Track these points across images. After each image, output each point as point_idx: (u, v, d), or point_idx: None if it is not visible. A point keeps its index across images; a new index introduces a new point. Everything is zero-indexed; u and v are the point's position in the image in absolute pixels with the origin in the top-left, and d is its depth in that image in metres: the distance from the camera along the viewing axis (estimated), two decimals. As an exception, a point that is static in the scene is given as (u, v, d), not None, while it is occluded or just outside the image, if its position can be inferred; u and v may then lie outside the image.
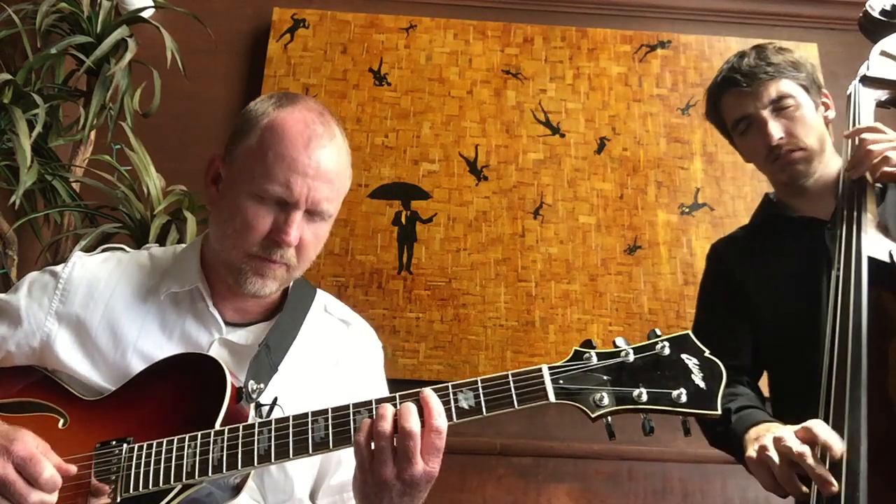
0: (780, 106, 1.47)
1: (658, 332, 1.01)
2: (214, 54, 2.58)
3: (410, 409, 0.96)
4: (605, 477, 2.23)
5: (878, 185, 1.42)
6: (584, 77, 2.63)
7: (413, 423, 0.95)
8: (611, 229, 2.46)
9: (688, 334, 1.01)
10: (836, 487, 1.07)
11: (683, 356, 0.98)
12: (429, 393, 0.99)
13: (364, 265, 2.39)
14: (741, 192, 2.51)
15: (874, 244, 1.28)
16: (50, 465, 0.97)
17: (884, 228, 1.32)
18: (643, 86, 2.62)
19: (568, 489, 2.21)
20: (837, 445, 1.10)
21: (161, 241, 1.92)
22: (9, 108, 1.96)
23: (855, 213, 1.34)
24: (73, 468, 1.01)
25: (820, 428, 1.13)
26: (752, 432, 1.27)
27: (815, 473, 1.09)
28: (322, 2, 2.68)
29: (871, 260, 1.26)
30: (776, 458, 1.14)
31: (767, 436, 1.18)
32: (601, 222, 2.47)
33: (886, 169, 1.33)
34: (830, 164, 1.51)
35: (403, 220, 2.45)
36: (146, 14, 2.39)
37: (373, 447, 0.96)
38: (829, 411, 1.16)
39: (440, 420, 0.96)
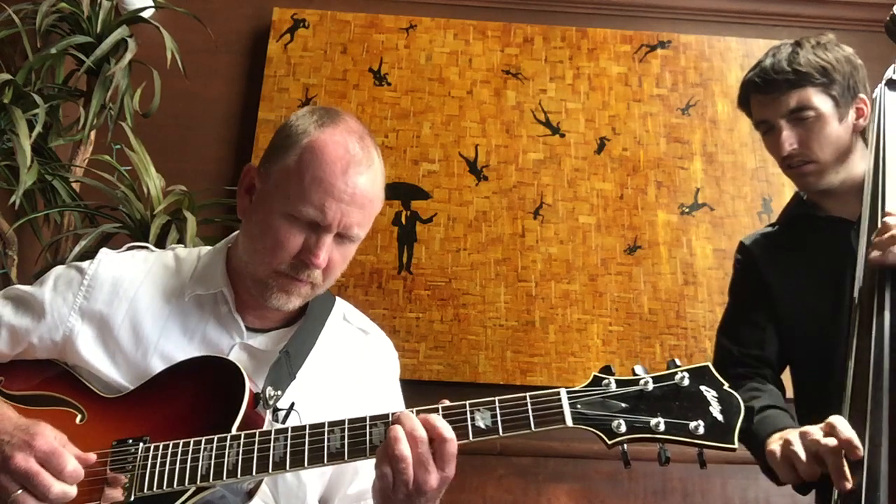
0: (798, 116, 1.46)
1: (678, 363, 1.01)
2: (214, 54, 2.57)
3: (415, 422, 0.97)
4: (605, 477, 2.23)
5: None
6: (584, 77, 2.62)
7: (422, 431, 0.96)
8: (611, 229, 2.46)
9: (707, 366, 1.00)
10: (849, 484, 1.08)
11: (702, 388, 0.98)
12: (433, 412, 1.00)
13: (364, 265, 2.39)
14: (741, 192, 2.50)
15: None
16: (72, 458, 0.99)
17: None
18: (643, 86, 2.62)
19: (568, 489, 2.21)
20: (859, 445, 1.11)
21: (161, 241, 1.92)
22: (9, 108, 1.96)
23: (880, 216, 1.32)
24: (92, 457, 1.02)
25: (842, 425, 1.13)
26: (776, 436, 1.27)
27: (836, 467, 1.10)
28: (322, 2, 2.68)
29: None
30: (802, 454, 1.15)
31: (793, 432, 1.19)
32: (601, 222, 2.47)
33: None
34: (858, 167, 1.49)
35: (403, 220, 2.45)
36: (146, 14, 2.39)
37: (390, 470, 0.96)
38: (850, 413, 1.17)
39: (448, 432, 0.97)
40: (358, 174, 1.12)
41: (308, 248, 1.11)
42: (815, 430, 1.15)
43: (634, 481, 2.23)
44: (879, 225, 1.29)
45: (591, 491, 2.22)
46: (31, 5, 2.16)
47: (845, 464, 1.10)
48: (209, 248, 1.31)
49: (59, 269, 1.26)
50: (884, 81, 1.50)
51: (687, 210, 2.49)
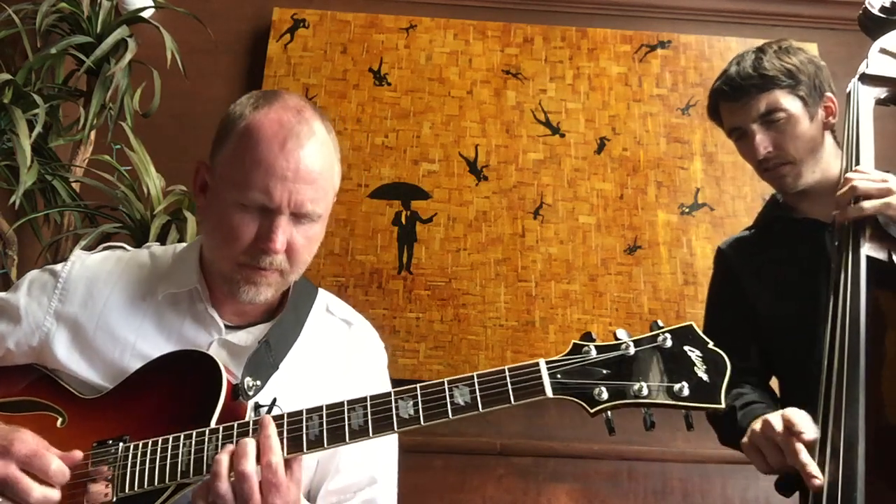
0: (769, 119, 1.47)
1: (660, 324, 0.99)
2: (214, 54, 2.58)
3: (246, 450, 0.95)
4: (605, 477, 2.23)
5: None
6: (584, 77, 2.62)
7: (247, 464, 0.94)
8: (611, 229, 2.46)
9: (691, 325, 0.98)
10: (820, 481, 1.08)
11: (686, 348, 0.96)
12: (265, 424, 0.98)
13: (364, 265, 2.39)
14: (741, 192, 2.50)
15: (873, 244, 1.28)
16: (55, 458, 0.98)
17: (882, 230, 1.31)
18: (643, 86, 2.62)
19: (568, 489, 2.21)
20: (808, 435, 1.12)
21: (161, 241, 1.92)
22: (9, 108, 1.96)
23: None
24: (77, 454, 1.02)
25: (794, 416, 1.16)
26: (754, 424, 1.27)
27: (802, 467, 1.11)
28: (322, 2, 2.68)
29: (870, 259, 1.26)
30: (764, 445, 1.17)
31: (758, 421, 1.21)
32: (601, 222, 2.47)
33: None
34: (832, 166, 1.50)
35: (403, 220, 2.45)
36: (146, 14, 2.39)
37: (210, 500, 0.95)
38: (827, 410, 1.16)
39: (273, 457, 0.95)
40: (298, 147, 1.07)
41: (262, 235, 1.07)
42: (777, 421, 1.16)
43: (634, 481, 2.23)
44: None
45: (591, 491, 2.21)
46: (31, 5, 2.17)
47: (810, 462, 1.10)
48: (184, 244, 1.29)
49: (32, 273, 1.24)
50: (857, 76, 1.51)
51: (687, 210, 2.49)
